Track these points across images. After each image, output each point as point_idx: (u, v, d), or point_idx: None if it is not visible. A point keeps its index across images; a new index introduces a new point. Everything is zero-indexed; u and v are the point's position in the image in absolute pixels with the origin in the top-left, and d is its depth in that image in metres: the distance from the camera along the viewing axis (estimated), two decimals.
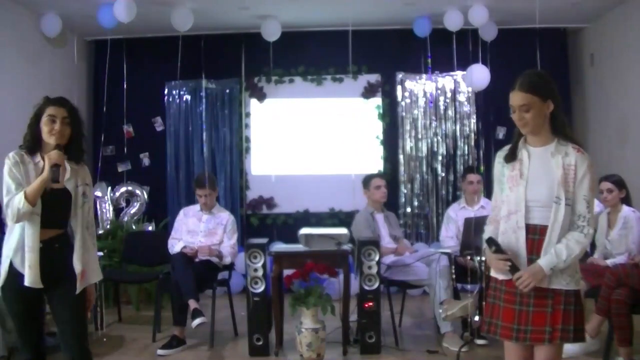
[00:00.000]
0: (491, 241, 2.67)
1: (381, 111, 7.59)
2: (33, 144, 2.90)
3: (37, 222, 2.82)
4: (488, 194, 5.60)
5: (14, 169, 2.83)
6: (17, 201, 2.74)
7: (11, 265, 2.84)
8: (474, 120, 7.55)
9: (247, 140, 7.62)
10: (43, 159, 2.87)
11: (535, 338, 2.58)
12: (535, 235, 2.61)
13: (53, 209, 2.86)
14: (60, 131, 2.85)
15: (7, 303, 2.93)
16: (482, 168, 6.74)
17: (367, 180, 5.52)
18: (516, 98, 2.62)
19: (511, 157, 2.71)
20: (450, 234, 5.35)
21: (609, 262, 4.57)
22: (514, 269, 2.61)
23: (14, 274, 2.84)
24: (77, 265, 2.92)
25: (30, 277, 2.80)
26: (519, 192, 2.64)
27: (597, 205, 5.04)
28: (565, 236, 2.57)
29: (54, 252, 2.87)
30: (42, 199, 2.83)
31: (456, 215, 5.34)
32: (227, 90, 7.61)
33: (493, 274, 2.75)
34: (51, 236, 2.87)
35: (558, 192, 2.57)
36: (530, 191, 2.62)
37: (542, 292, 2.58)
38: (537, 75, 2.68)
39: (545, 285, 2.58)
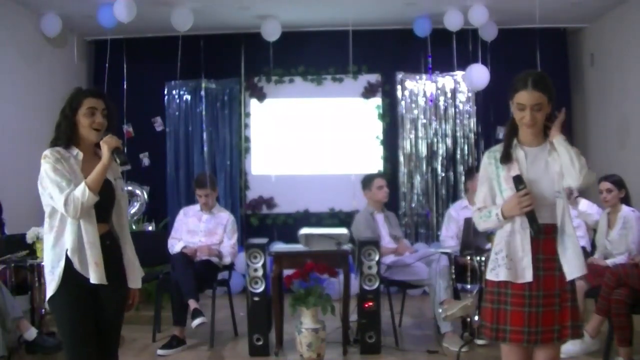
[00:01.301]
0: (519, 179, 2.61)
1: (381, 111, 7.59)
2: (70, 137, 2.72)
3: (94, 216, 2.66)
4: None
5: (58, 166, 2.63)
6: (80, 194, 2.56)
7: (68, 268, 2.62)
8: (474, 120, 7.55)
9: (247, 140, 7.62)
10: (82, 152, 2.72)
11: (545, 338, 2.56)
12: (540, 234, 2.61)
13: (101, 202, 2.69)
14: (100, 124, 2.71)
15: (61, 311, 2.66)
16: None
17: (368, 181, 5.49)
18: (531, 97, 2.59)
19: (506, 159, 2.69)
20: (450, 234, 5.33)
21: (609, 262, 4.57)
22: (533, 221, 2.58)
23: (73, 277, 2.62)
24: (133, 259, 2.84)
25: (96, 274, 2.62)
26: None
27: (592, 208, 5.05)
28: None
29: (106, 249, 2.70)
30: None
31: (458, 215, 5.31)
32: (227, 90, 7.61)
33: (490, 276, 2.68)
34: (102, 232, 2.71)
35: (558, 186, 2.61)
36: (534, 191, 2.61)
37: (550, 290, 2.58)
38: (545, 76, 2.69)
39: (572, 277, 2.59)
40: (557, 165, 2.62)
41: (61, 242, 2.65)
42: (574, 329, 2.56)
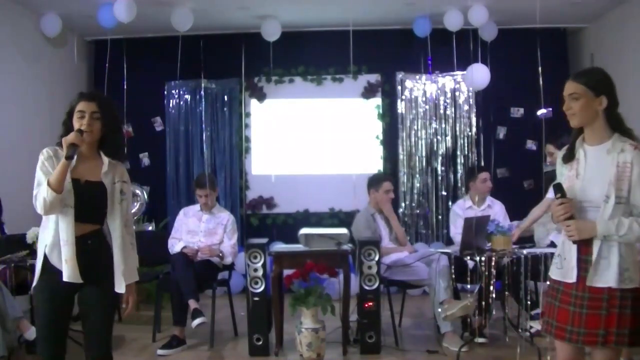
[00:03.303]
0: (558, 187, 2.61)
1: (381, 111, 7.59)
2: None
3: (71, 215, 2.74)
4: (496, 194, 5.61)
5: (46, 163, 2.77)
6: (43, 190, 2.68)
7: (47, 262, 2.76)
8: (474, 120, 7.55)
9: (247, 140, 7.62)
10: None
11: (588, 341, 2.52)
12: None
13: (87, 202, 2.78)
14: (88, 126, 2.78)
15: (38, 302, 2.82)
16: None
17: (377, 181, 5.40)
18: (568, 87, 2.62)
19: (569, 157, 2.68)
20: (459, 230, 5.28)
21: None
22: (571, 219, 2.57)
23: (50, 272, 2.76)
24: (119, 265, 2.86)
25: (68, 271, 2.72)
26: (574, 193, 2.60)
27: None
28: (633, 217, 2.51)
29: (88, 249, 2.78)
30: (76, 191, 2.76)
31: (463, 213, 5.29)
32: (227, 90, 7.61)
33: (550, 273, 2.71)
34: (85, 232, 2.79)
35: (608, 190, 2.52)
36: (584, 191, 2.58)
37: (597, 293, 2.52)
38: (595, 70, 2.69)
39: (595, 284, 2.52)
40: (613, 168, 2.53)
41: (44, 238, 2.80)
42: (619, 337, 2.48)
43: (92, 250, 2.80)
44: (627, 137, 2.59)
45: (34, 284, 2.81)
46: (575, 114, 2.60)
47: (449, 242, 6.32)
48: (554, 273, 2.69)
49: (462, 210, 5.39)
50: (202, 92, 7.52)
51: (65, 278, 2.72)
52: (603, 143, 2.60)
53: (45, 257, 2.77)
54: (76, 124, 2.79)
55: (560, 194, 2.59)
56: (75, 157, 2.73)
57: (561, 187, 2.61)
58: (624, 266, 2.52)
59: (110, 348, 2.93)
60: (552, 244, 4.58)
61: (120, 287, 2.87)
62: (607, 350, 2.52)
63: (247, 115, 7.62)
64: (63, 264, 2.73)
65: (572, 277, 2.60)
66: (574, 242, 2.58)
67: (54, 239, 2.76)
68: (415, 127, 7.62)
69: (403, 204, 7.56)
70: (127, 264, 2.88)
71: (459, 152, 7.57)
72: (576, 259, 2.59)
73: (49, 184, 2.67)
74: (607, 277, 2.52)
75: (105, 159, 2.86)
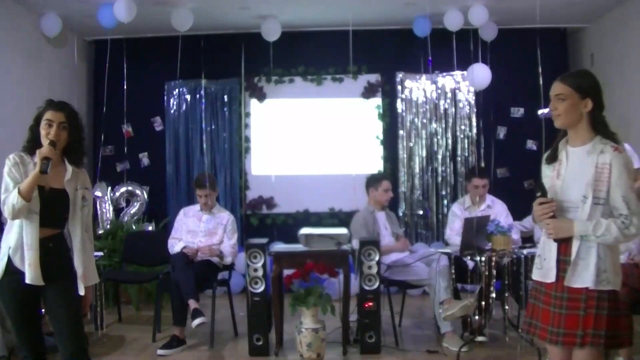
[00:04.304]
0: (540, 186, 2.65)
1: (381, 111, 7.59)
2: (33, 145, 2.95)
3: (36, 221, 2.87)
4: (493, 192, 5.60)
5: (14, 169, 2.90)
6: (12, 197, 2.80)
7: (10, 263, 2.88)
8: (474, 120, 7.55)
9: (247, 140, 7.62)
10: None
11: (567, 341, 2.54)
12: (559, 240, 2.59)
13: (51, 208, 2.92)
14: (55, 135, 2.91)
15: (3, 301, 2.97)
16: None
17: (375, 181, 5.44)
18: (555, 87, 2.65)
19: (552, 158, 2.71)
20: (455, 231, 5.28)
21: None
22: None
23: (12, 272, 2.88)
24: (78, 267, 2.98)
25: (30, 275, 2.85)
26: (554, 193, 2.63)
27: None
28: (601, 254, 2.53)
29: (49, 251, 2.90)
30: (41, 198, 2.88)
31: (462, 214, 5.29)
32: (227, 90, 7.61)
33: (533, 275, 2.72)
34: (47, 235, 2.91)
35: (586, 191, 2.54)
36: (564, 191, 2.61)
37: (576, 294, 2.54)
38: (583, 73, 2.71)
39: (572, 285, 2.54)
40: (592, 169, 2.54)
41: (8, 239, 2.90)
42: (594, 337, 2.49)
43: (53, 251, 2.93)
44: (608, 140, 2.59)
45: None
46: (560, 115, 2.62)
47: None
48: (535, 274, 2.71)
49: (460, 210, 5.39)
50: (202, 92, 7.52)
51: (27, 280, 2.85)
52: (585, 145, 2.62)
53: (8, 258, 2.88)
54: (43, 132, 2.91)
55: (541, 193, 2.62)
56: (49, 169, 2.85)
57: (542, 186, 2.64)
58: (601, 267, 2.54)
59: (83, 343, 3.04)
60: None
61: (80, 290, 2.99)
62: (587, 350, 2.52)
63: (247, 115, 7.62)
64: (26, 267, 2.86)
65: (551, 277, 2.62)
66: (555, 240, 2.60)
67: (17, 242, 2.87)
68: (415, 127, 7.62)
69: (403, 204, 7.56)
70: (86, 266, 3.02)
71: (459, 152, 7.57)
72: (555, 260, 2.61)
73: (19, 193, 2.79)
74: (584, 277, 2.54)
75: (69, 167, 2.99)
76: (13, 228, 2.90)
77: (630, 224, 2.50)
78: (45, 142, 2.91)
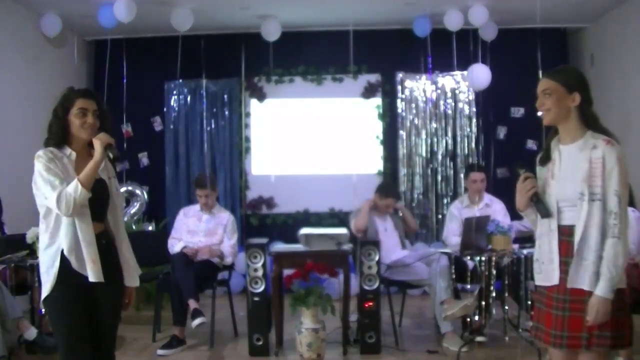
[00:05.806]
0: (521, 164, 2.64)
1: (381, 111, 7.59)
2: (62, 137, 2.74)
3: (89, 215, 2.67)
4: (493, 192, 5.60)
5: (51, 165, 2.65)
6: (72, 190, 2.57)
7: (66, 267, 2.63)
8: (474, 120, 7.55)
9: (247, 140, 7.62)
10: (75, 151, 2.75)
11: (571, 344, 2.48)
12: (570, 237, 2.52)
13: (97, 201, 2.71)
14: (92, 124, 2.74)
15: (57, 312, 2.68)
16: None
17: (384, 192, 5.43)
18: (541, 84, 2.62)
19: (545, 159, 2.68)
20: (452, 231, 5.29)
21: None
22: (539, 204, 2.57)
23: (70, 277, 2.63)
24: (129, 261, 2.84)
25: (94, 272, 2.64)
26: (550, 194, 2.59)
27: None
28: (602, 254, 2.43)
29: (103, 248, 2.71)
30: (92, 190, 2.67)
31: (460, 214, 5.30)
32: (227, 90, 7.61)
33: (537, 282, 2.67)
34: (97, 231, 2.72)
35: (581, 187, 2.48)
36: (559, 191, 2.56)
37: (578, 295, 2.48)
38: (568, 68, 2.69)
39: (574, 286, 2.48)
40: (585, 165, 2.49)
41: (56, 242, 2.66)
42: (600, 339, 2.43)
43: (105, 249, 2.74)
44: (600, 134, 2.54)
45: (47, 293, 2.64)
46: (549, 110, 2.58)
47: None
48: (537, 279, 2.66)
49: (458, 210, 5.39)
50: (202, 92, 7.52)
51: (91, 278, 2.63)
52: (576, 141, 2.57)
53: (62, 262, 2.63)
54: (78, 121, 2.72)
55: (523, 170, 2.62)
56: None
57: (522, 164, 2.64)
58: (594, 269, 2.48)
59: (114, 347, 2.90)
60: None
61: (133, 281, 2.85)
62: (592, 353, 2.47)
63: (247, 115, 7.62)
64: (88, 265, 2.63)
65: (553, 280, 2.55)
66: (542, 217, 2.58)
67: (71, 241, 2.63)
68: (415, 127, 7.62)
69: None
70: (134, 258, 2.87)
71: (459, 152, 7.57)
72: (558, 262, 2.55)
73: (81, 184, 2.58)
74: (587, 278, 2.47)
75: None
76: (62, 228, 2.64)
77: (618, 224, 2.42)
78: (79, 131, 2.72)
